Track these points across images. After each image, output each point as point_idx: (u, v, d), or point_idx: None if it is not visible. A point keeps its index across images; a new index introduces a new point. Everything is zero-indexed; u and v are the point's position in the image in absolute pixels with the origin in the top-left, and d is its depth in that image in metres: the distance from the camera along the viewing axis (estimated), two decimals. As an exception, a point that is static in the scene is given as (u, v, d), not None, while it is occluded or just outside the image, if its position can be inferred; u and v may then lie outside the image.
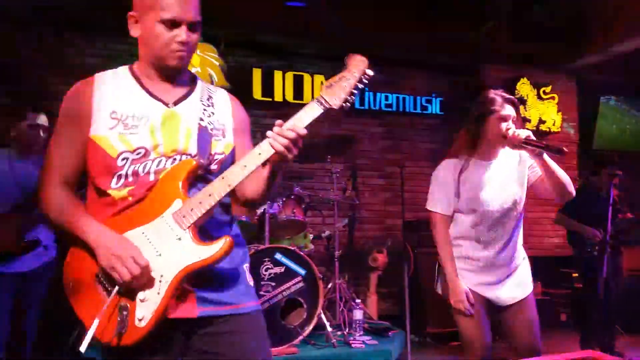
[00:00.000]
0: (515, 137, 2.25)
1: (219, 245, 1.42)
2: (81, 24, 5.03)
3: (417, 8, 5.56)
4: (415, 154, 6.20)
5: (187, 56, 1.56)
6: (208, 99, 1.64)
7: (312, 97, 5.58)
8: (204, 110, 1.60)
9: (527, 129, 2.37)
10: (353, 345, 3.89)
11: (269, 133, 1.45)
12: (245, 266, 1.65)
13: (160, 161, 1.50)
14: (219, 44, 5.27)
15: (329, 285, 4.52)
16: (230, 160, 1.60)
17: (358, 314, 4.17)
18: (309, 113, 1.49)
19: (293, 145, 1.44)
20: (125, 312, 1.38)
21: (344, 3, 5.28)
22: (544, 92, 6.51)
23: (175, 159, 1.52)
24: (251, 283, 1.64)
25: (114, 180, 1.48)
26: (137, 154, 1.48)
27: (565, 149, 2.15)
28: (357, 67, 1.56)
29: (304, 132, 1.45)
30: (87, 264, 1.47)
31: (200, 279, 1.46)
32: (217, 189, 1.45)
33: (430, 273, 5.12)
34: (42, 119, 3.15)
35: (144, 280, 1.40)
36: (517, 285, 2.49)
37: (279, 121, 1.46)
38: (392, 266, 5.34)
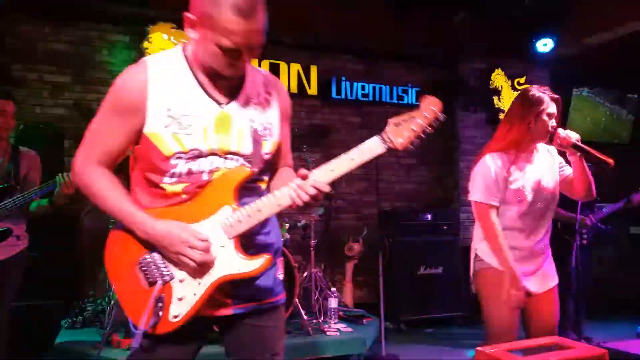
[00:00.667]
0: (565, 139, 2.33)
1: (259, 263, 1.45)
2: (49, 9, 4.89)
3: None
4: (391, 144, 6.21)
5: (244, 65, 1.47)
6: (256, 89, 1.57)
7: (288, 87, 5.60)
8: (255, 106, 1.55)
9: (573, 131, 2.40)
10: (328, 332, 3.92)
11: (291, 185, 1.43)
12: (280, 260, 1.68)
13: (213, 161, 1.48)
14: (193, 31, 5.20)
15: (305, 274, 4.53)
16: (275, 156, 1.62)
17: (333, 302, 4.19)
18: (372, 150, 1.43)
19: (313, 200, 1.42)
20: (160, 305, 1.42)
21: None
22: (518, 82, 6.59)
23: (227, 159, 1.50)
24: (281, 277, 1.67)
25: (167, 177, 1.47)
26: (191, 154, 1.46)
27: (611, 161, 2.24)
28: (429, 109, 1.44)
29: (326, 189, 1.42)
30: (129, 252, 1.48)
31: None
32: (267, 207, 1.44)
33: (405, 261, 5.25)
34: (9, 106, 3.06)
35: (210, 257, 1.42)
36: (546, 275, 2.55)
37: (302, 171, 1.43)
38: (368, 255, 5.37)
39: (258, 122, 1.55)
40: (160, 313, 1.42)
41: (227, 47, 1.36)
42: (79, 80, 5.05)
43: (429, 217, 5.65)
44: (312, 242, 4.51)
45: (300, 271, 4.54)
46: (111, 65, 5.15)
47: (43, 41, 4.95)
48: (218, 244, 1.45)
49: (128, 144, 1.49)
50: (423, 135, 1.44)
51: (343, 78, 5.99)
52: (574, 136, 2.33)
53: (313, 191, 1.41)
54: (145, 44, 5.08)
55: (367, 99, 6.10)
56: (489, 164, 2.49)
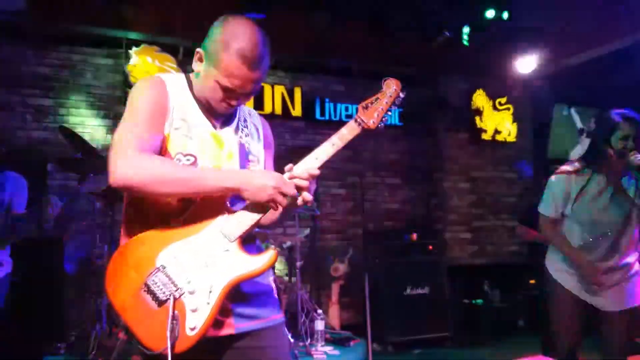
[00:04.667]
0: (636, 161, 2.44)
1: (266, 257, 1.48)
2: (33, 34, 4.89)
3: (374, 20, 5.65)
4: (376, 164, 6.27)
5: (236, 106, 1.59)
6: (244, 122, 1.70)
7: (273, 108, 5.63)
8: (244, 135, 1.66)
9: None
10: (315, 356, 3.89)
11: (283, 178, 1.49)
12: (272, 279, 1.71)
13: None
14: (177, 54, 5.23)
15: (291, 296, 4.50)
16: None
17: (320, 325, 4.17)
18: (350, 132, 1.58)
19: (306, 189, 1.50)
20: (175, 321, 1.40)
21: (303, 15, 5.31)
22: (500, 103, 6.70)
23: None
24: (276, 295, 1.70)
25: None
26: (187, 159, 1.52)
27: None
28: (391, 89, 1.64)
29: (317, 172, 1.51)
30: (131, 279, 1.46)
31: (236, 294, 1.50)
32: None
33: (391, 282, 5.24)
34: None
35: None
36: (624, 293, 2.63)
37: (288, 166, 1.52)
38: (353, 276, 5.36)
39: (246, 149, 1.64)
40: (177, 329, 1.40)
41: (224, 87, 1.49)
42: (62, 103, 5.03)
43: (415, 236, 5.67)
44: (298, 264, 4.49)
45: (286, 293, 4.51)
46: (95, 89, 5.15)
47: (26, 64, 4.94)
48: (221, 249, 1.46)
49: (160, 143, 1.52)
50: (389, 113, 1.63)
51: (327, 99, 6.05)
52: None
53: (306, 175, 1.49)
54: (129, 67, 5.09)
55: (350, 120, 6.13)
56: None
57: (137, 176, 1.39)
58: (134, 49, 5.12)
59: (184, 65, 5.21)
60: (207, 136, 1.57)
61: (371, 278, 4.52)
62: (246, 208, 1.49)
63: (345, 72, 6.19)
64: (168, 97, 1.54)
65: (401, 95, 1.64)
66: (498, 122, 6.66)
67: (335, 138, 1.57)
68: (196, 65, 1.56)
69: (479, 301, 6.10)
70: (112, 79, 5.19)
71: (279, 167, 1.82)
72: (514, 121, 6.76)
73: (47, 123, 4.94)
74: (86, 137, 4.77)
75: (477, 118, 6.56)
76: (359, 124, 1.59)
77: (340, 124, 5.82)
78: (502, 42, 6.16)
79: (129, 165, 1.40)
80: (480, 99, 6.59)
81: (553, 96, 7.07)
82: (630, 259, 2.65)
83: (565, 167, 2.70)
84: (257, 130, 1.74)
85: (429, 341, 5.32)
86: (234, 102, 1.54)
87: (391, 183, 6.41)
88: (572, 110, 7.18)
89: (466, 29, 5.78)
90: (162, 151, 1.51)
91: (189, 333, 1.41)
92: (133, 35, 5.11)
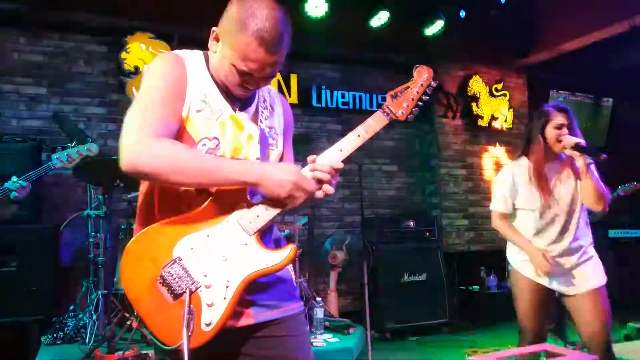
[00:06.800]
0: (567, 141, 2.60)
1: (285, 253, 1.43)
2: (26, 21, 4.81)
3: (370, 5, 5.60)
4: (373, 152, 6.25)
5: (253, 90, 1.52)
6: (264, 102, 1.62)
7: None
8: (263, 118, 1.58)
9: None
10: (314, 344, 3.89)
11: (304, 169, 1.43)
12: (290, 266, 1.64)
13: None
14: (172, 41, 5.16)
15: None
16: None
17: (319, 313, 4.17)
18: (377, 124, 1.48)
19: (328, 181, 1.43)
20: (190, 316, 1.35)
21: (300, 2, 5.25)
22: (496, 89, 6.68)
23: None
24: (295, 283, 1.66)
25: None
26: (213, 143, 1.46)
27: (603, 154, 2.45)
28: (423, 78, 1.54)
29: (341, 165, 1.44)
30: (146, 270, 1.40)
31: (255, 283, 1.45)
32: None
33: (388, 269, 5.25)
34: None
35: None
36: (584, 276, 2.72)
37: (311, 157, 1.44)
38: (351, 263, 5.36)
39: (265, 132, 1.57)
40: (192, 324, 1.35)
41: (241, 70, 1.41)
42: (56, 91, 4.96)
43: (412, 223, 5.67)
44: (297, 252, 4.48)
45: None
46: (88, 77, 5.08)
47: (18, 52, 4.86)
48: (240, 243, 1.42)
49: (178, 125, 1.44)
50: (421, 104, 1.52)
51: (323, 86, 6.00)
52: (575, 139, 2.58)
53: (328, 168, 1.42)
54: (123, 55, 5.02)
55: (347, 107, 6.11)
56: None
57: (153, 163, 1.32)
58: (128, 36, 5.05)
59: (179, 53, 5.14)
60: (226, 118, 1.50)
61: (369, 265, 4.53)
62: (265, 202, 1.43)
63: (341, 59, 6.14)
64: (186, 75, 1.45)
65: (433, 84, 1.54)
66: (494, 108, 6.64)
67: (361, 129, 1.48)
68: (212, 46, 1.47)
69: (476, 287, 6.14)
70: (106, 66, 5.12)
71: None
72: (510, 107, 6.75)
73: (40, 111, 4.88)
74: (81, 126, 4.73)
75: (474, 104, 6.54)
76: (387, 115, 1.49)
77: (337, 110, 5.79)
78: (499, 27, 6.14)
79: (145, 150, 1.32)
80: (476, 85, 6.56)
81: (549, 82, 7.07)
82: (584, 242, 2.74)
83: (507, 162, 2.88)
84: (277, 111, 1.66)
85: (427, 328, 5.35)
86: (251, 87, 1.47)
87: (388, 170, 6.40)
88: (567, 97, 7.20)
89: (462, 14, 5.75)
90: (180, 134, 1.43)
91: (205, 329, 1.37)
92: (127, 23, 5.02)
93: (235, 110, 1.52)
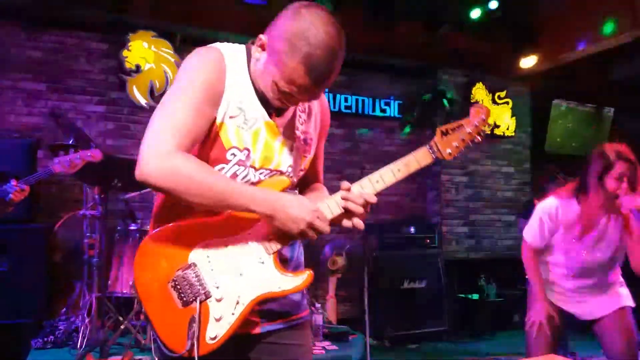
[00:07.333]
0: (627, 204, 2.32)
1: (301, 279, 1.38)
2: (25, 16, 4.73)
3: (375, 10, 5.55)
4: (375, 156, 6.19)
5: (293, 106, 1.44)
6: (302, 104, 1.51)
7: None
8: (300, 123, 1.49)
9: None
10: (314, 351, 3.81)
11: (336, 197, 1.38)
12: (302, 259, 1.61)
13: (249, 171, 1.42)
14: (174, 40, 5.09)
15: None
16: (308, 172, 1.58)
17: (318, 319, 4.09)
18: (419, 161, 1.40)
19: (358, 213, 1.37)
20: (194, 325, 1.31)
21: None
22: (499, 97, 6.63)
23: (264, 173, 1.44)
24: (305, 291, 1.60)
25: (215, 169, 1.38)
26: (243, 154, 1.39)
27: None
28: (479, 118, 1.43)
29: (374, 200, 1.37)
30: (162, 268, 1.36)
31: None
32: None
33: (388, 275, 5.17)
34: None
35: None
36: (605, 299, 2.66)
37: (345, 184, 1.38)
38: (351, 269, 5.29)
39: (301, 138, 1.49)
40: (197, 334, 1.32)
41: (282, 91, 1.32)
42: (55, 88, 4.88)
43: (412, 230, 5.61)
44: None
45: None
46: (88, 74, 5.00)
47: (17, 47, 4.78)
48: (257, 260, 1.37)
49: (205, 130, 1.35)
50: (471, 145, 1.43)
51: (326, 90, 5.94)
52: (637, 203, 2.31)
53: (361, 201, 1.36)
54: (125, 53, 4.95)
55: (350, 111, 6.06)
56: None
57: (167, 180, 1.25)
58: (130, 34, 4.98)
59: (181, 52, 5.08)
60: (261, 125, 1.41)
61: (368, 271, 4.45)
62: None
63: (344, 63, 6.07)
64: (225, 75, 1.35)
65: (487, 127, 1.45)
66: (497, 115, 6.59)
67: (401, 164, 1.39)
68: (256, 52, 1.36)
69: (475, 296, 6.07)
70: (107, 64, 5.05)
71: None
72: (512, 115, 6.70)
73: (38, 108, 4.80)
74: (79, 124, 4.65)
75: (477, 111, 6.48)
76: (433, 153, 1.40)
77: (339, 114, 5.70)
78: (503, 35, 6.10)
79: (161, 165, 1.25)
80: (479, 92, 6.51)
81: (551, 90, 7.03)
82: (613, 278, 2.65)
83: (556, 192, 2.64)
84: (314, 111, 1.56)
85: (426, 335, 5.28)
86: (291, 104, 1.39)
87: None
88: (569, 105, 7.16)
89: (469, 20, 5.72)
90: (212, 139, 1.36)
91: (209, 341, 1.33)
92: (130, 20, 4.95)
93: (271, 116, 1.43)
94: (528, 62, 6.19)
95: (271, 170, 1.44)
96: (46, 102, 4.82)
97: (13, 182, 2.82)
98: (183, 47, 5.11)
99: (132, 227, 4.06)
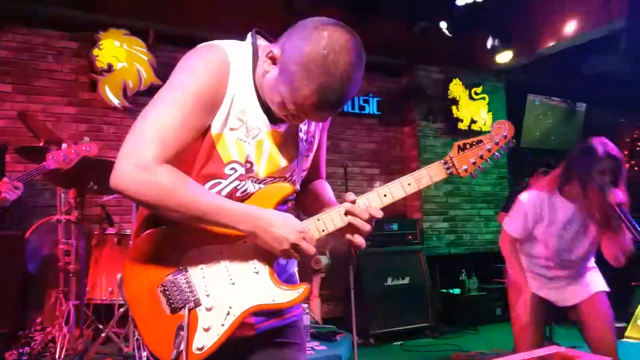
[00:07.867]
0: (610, 198, 2.31)
1: (297, 293, 1.30)
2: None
3: (352, 7, 5.51)
4: (355, 154, 6.15)
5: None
6: None
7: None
8: (304, 130, 1.40)
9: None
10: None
11: (339, 208, 1.32)
12: (296, 270, 1.55)
13: (249, 183, 1.33)
14: (147, 38, 4.94)
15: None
16: (309, 168, 1.51)
17: (305, 319, 4.01)
18: (432, 176, 1.33)
19: (363, 227, 1.30)
20: (182, 333, 1.23)
21: (282, 1, 5.14)
22: (475, 92, 6.68)
23: (267, 182, 1.36)
24: None
25: (209, 184, 1.29)
26: (244, 167, 1.30)
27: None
28: (500, 136, 1.34)
29: (380, 215, 1.31)
30: (152, 271, 1.29)
31: None
32: (311, 231, 1.32)
33: (372, 273, 5.14)
34: None
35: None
36: (582, 285, 2.70)
37: (351, 196, 1.31)
38: (335, 268, 5.23)
39: (304, 140, 1.40)
40: (183, 344, 1.24)
41: (290, 111, 1.23)
42: (22, 89, 4.67)
43: (394, 227, 5.59)
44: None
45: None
46: (57, 74, 4.81)
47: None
48: (251, 269, 1.29)
49: (194, 140, 1.24)
50: (489, 163, 1.36)
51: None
52: (618, 199, 2.31)
53: (366, 215, 1.29)
54: (95, 51, 4.78)
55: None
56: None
57: (144, 194, 1.16)
58: (101, 32, 4.81)
59: (155, 50, 4.93)
60: (264, 136, 1.31)
61: (354, 270, 4.40)
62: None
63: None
64: (227, 82, 1.23)
65: (511, 144, 1.35)
66: (474, 111, 6.64)
67: (411, 178, 1.33)
68: (265, 64, 1.23)
69: (457, 291, 6.09)
70: (77, 63, 4.86)
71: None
72: (489, 111, 6.75)
73: (5, 110, 4.58)
74: (49, 126, 4.46)
75: (454, 107, 6.52)
76: (448, 168, 1.33)
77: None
78: (478, 31, 6.13)
79: (138, 177, 1.14)
80: (456, 88, 6.55)
81: (527, 85, 7.12)
82: (589, 264, 2.71)
83: (539, 184, 2.67)
84: None
85: (410, 332, 5.26)
86: (296, 122, 1.30)
87: (369, 173, 6.31)
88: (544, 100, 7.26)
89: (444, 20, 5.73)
90: (208, 152, 1.26)
91: (195, 352, 1.25)
92: (100, 18, 4.78)
93: (275, 124, 1.33)
94: (503, 57, 6.23)
95: (274, 179, 1.37)
96: (12, 104, 4.61)
97: (5, 180, 2.74)
98: (157, 45, 4.96)
99: (109, 232, 3.92)
